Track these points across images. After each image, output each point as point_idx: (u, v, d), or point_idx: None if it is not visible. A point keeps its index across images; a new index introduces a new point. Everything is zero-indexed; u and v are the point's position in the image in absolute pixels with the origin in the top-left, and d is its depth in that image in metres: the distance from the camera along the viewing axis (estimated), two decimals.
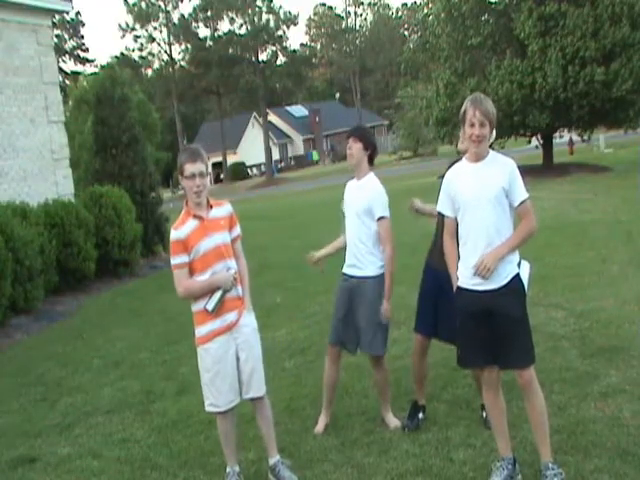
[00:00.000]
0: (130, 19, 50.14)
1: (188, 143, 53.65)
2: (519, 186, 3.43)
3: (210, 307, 3.70)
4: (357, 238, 4.29)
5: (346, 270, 4.40)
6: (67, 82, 46.29)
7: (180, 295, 3.78)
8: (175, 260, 3.73)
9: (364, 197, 4.26)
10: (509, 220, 3.45)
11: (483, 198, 3.40)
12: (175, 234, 3.72)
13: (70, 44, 59.04)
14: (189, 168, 3.69)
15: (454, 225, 3.58)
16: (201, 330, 3.77)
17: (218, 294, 3.70)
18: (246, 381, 3.81)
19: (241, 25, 51.29)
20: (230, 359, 3.76)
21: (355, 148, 4.31)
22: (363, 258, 4.27)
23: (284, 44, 52.23)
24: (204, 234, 3.72)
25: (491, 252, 3.37)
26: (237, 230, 3.93)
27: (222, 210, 3.86)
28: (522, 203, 3.43)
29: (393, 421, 4.39)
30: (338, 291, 4.45)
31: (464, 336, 3.56)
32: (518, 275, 3.48)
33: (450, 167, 3.72)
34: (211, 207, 3.80)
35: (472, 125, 3.39)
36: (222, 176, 57.42)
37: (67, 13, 35.55)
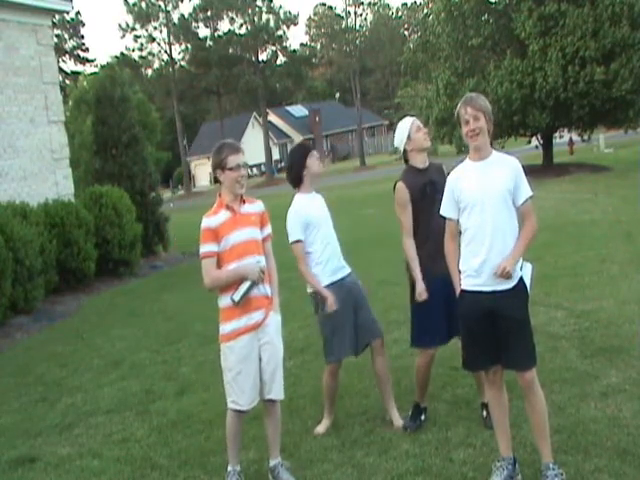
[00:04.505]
0: (130, 19, 49.99)
1: (188, 143, 53.67)
2: (524, 184, 3.46)
3: (236, 298, 3.63)
4: (337, 241, 4.45)
5: (342, 273, 4.41)
6: (67, 82, 46.26)
7: (207, 285, 3.73)
8: (204, 248, 3.69)
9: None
10: (514, 219, 3.46)
11: (488, 197, 3.40)
12: (206, 222, 3.69)
13: (70, 44, 58.97)
14: (234, 159, 3.70)
15: (456, 227, 3.58)
16: (226, 327, 3.74)
17: (245, 285, 3.64)
18: (268, 382, 3.79)
19: (241, 25, 51.19)
20: (254, 359, 3.73)
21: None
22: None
23: (284, 44, 52.10)
24: (235, 227, 3.70)
25: (510, 257, 3.36)
26: (268, 229, 3.93)
27: (254, 207, 3.86)
28: (526, 201, 3.44)
29: (397, 419, 4.38)
30: (341, 298, 4.28)
31: (469, 340, 3.56)
32: (521, 277, 3.48)
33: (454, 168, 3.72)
34: (244, 202, 3.81)
35: (467, 123, 3.43)
36: None
37: (67, 13, 35.52)
